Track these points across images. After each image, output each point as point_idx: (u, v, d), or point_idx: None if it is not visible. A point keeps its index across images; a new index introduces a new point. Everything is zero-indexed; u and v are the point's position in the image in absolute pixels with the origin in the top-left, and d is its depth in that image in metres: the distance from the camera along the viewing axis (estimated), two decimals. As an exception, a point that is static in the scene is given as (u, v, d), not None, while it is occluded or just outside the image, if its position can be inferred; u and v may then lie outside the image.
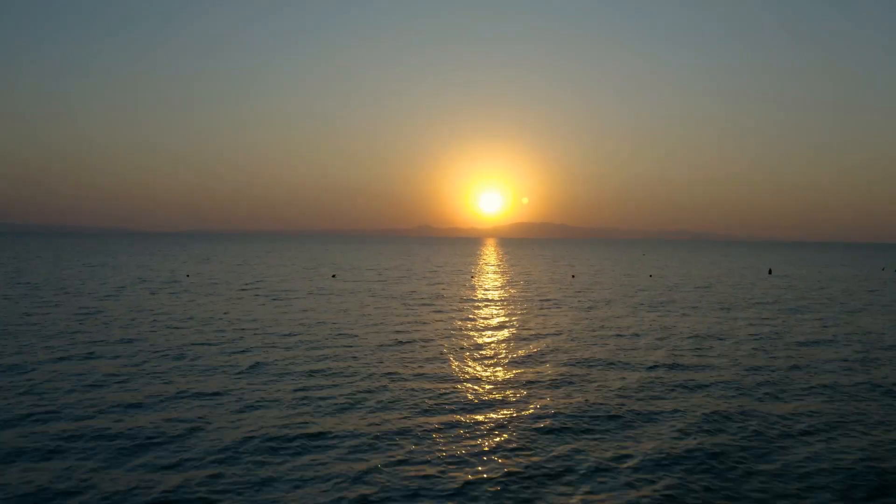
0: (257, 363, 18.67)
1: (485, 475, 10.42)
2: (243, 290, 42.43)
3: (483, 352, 21.14)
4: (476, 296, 40.95)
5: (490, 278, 58.02)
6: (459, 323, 28.01)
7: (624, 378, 17.40)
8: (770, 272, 74.23)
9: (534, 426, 13.01)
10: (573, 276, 61.48)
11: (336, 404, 14.38)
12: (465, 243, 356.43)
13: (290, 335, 23.80)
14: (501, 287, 48.18)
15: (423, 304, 35.13)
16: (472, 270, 71.02)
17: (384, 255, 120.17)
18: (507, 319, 29.43)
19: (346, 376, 17.15)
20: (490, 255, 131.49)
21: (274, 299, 36.43)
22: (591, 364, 19.23)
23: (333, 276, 55.61)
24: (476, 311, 32.32)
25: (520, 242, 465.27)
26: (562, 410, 14.13)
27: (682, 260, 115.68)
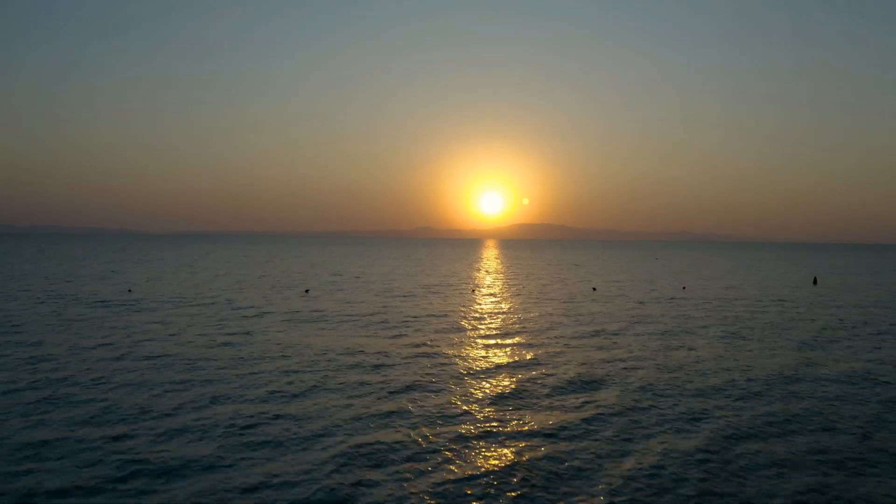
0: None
1: None
2: (189, 318, 32.84)
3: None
4: (487, 325, 31.35)
5: (499, 293, 48.46)
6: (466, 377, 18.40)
7: None
8: (815, 282, 64.64)
9: None
10: (594, 289, 51.92)
11: None
12: (466, 245, 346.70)
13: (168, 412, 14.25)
14: (517, 310, 38.59)
15: (413, 348, 25.56)
16: (475, 282, 61.57)
17: (379, 260, 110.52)
18: (545, 373, 19.80)
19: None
20: (493, 261, 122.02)
21: (210, 338, 26.88)
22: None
23: (307, 291, 46.09)
24: (492, 352, 22.70)
25: (521, 244, 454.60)
26: None
27: (705, 264, 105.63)
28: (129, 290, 45.27)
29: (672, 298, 44.56)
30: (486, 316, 33.81)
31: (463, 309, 36.84)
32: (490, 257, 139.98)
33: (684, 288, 54.89)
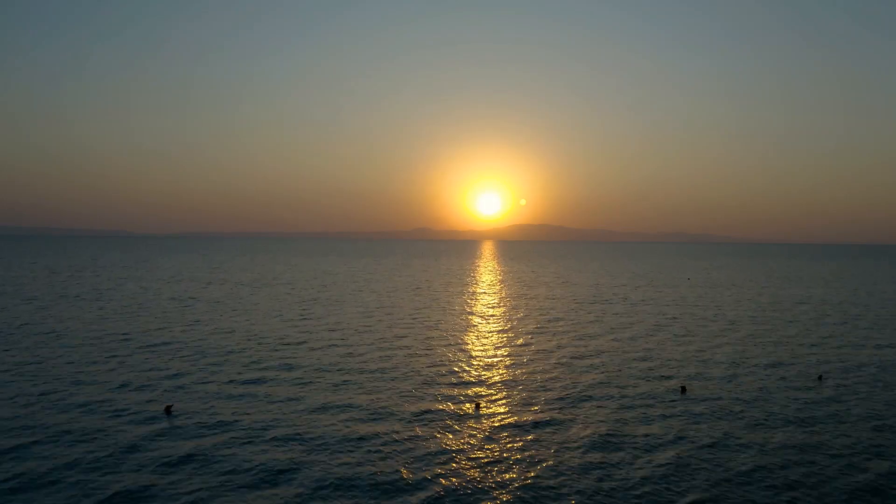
0: None
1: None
2: None
3: None
4: None
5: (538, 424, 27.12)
6: None
7: None
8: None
9: None
10: (683, 390, 30.52)
11: None
12: (465, 249, 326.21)
13: None
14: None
15: None
16: (477, 365, 40.48)
17: (356, 281, 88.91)
18: None
19: None
20: (501, 290, 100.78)
21: None
22: None
23: (168, 409, 24.93)
24: None
25: (520, 246, 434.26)
26: None
27: (762, 288, 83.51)
28: None
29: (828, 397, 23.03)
30: None
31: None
32: (495, 282, 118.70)
33: (820, 378, 33.53)
